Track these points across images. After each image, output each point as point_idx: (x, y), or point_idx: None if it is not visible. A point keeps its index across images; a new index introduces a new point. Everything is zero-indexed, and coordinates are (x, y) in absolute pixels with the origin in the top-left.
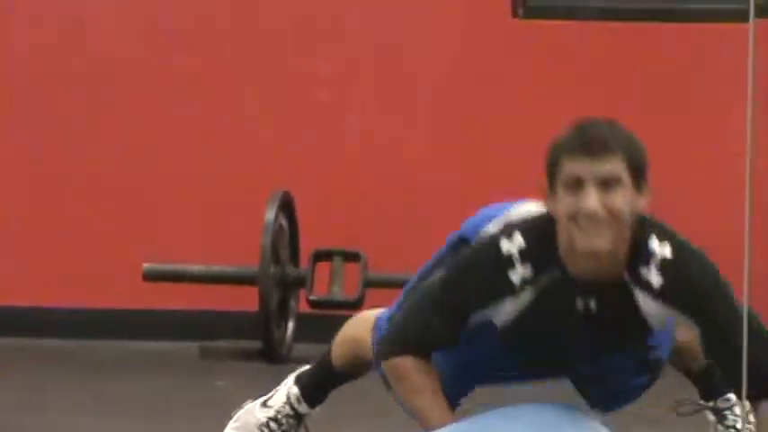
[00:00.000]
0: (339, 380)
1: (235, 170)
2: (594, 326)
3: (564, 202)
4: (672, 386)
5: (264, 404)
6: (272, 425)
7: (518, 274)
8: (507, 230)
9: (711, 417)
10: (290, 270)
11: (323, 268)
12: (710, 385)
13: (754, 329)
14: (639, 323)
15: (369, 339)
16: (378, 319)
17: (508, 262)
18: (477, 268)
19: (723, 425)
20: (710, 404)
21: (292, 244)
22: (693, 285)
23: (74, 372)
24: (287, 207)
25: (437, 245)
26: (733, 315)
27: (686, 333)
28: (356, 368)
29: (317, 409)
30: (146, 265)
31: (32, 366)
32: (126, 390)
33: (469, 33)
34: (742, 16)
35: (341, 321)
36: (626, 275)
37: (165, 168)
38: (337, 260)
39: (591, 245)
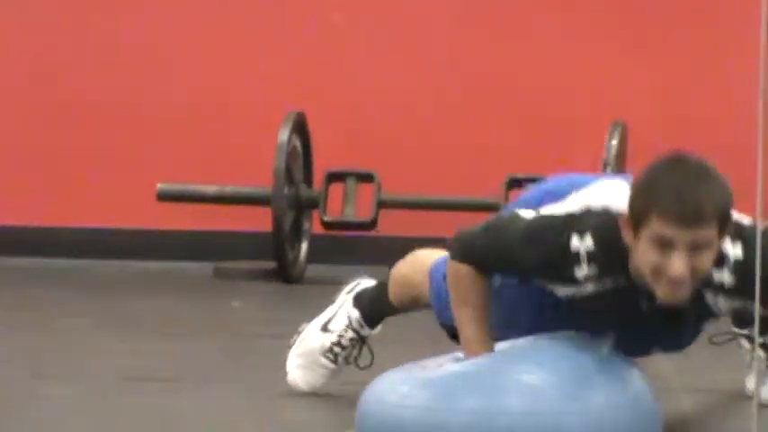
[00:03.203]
0: (396, 311)
1: (248, 91)
2: (659, 318)
3: (649, 256)
4: None
5: (325, 329)
6: (336, 349)
7: (583, 271)
8: (581, 227)
9: (746, 344)
10: (304, 191)
11: (336, 189)
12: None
13: None
14: (705, 313)
15: (425, 286)
16: (433, 270)
17: (576, 258)
18: (545, 247)
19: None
20: (745, 332)
21: (306, 165)
22: (763, 281)
23: (87, 292)
24: (301, 128)
25: (448, 165)
26: None
27: None
28: (413, 306)
29: (378, 329)
30: (160, 185)
31: (46, 286)
32: (140, 309)
33: None
34: None
35: (354, 242)
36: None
37: (179, 89)
38: (351, 181)
39: (672, 299)
